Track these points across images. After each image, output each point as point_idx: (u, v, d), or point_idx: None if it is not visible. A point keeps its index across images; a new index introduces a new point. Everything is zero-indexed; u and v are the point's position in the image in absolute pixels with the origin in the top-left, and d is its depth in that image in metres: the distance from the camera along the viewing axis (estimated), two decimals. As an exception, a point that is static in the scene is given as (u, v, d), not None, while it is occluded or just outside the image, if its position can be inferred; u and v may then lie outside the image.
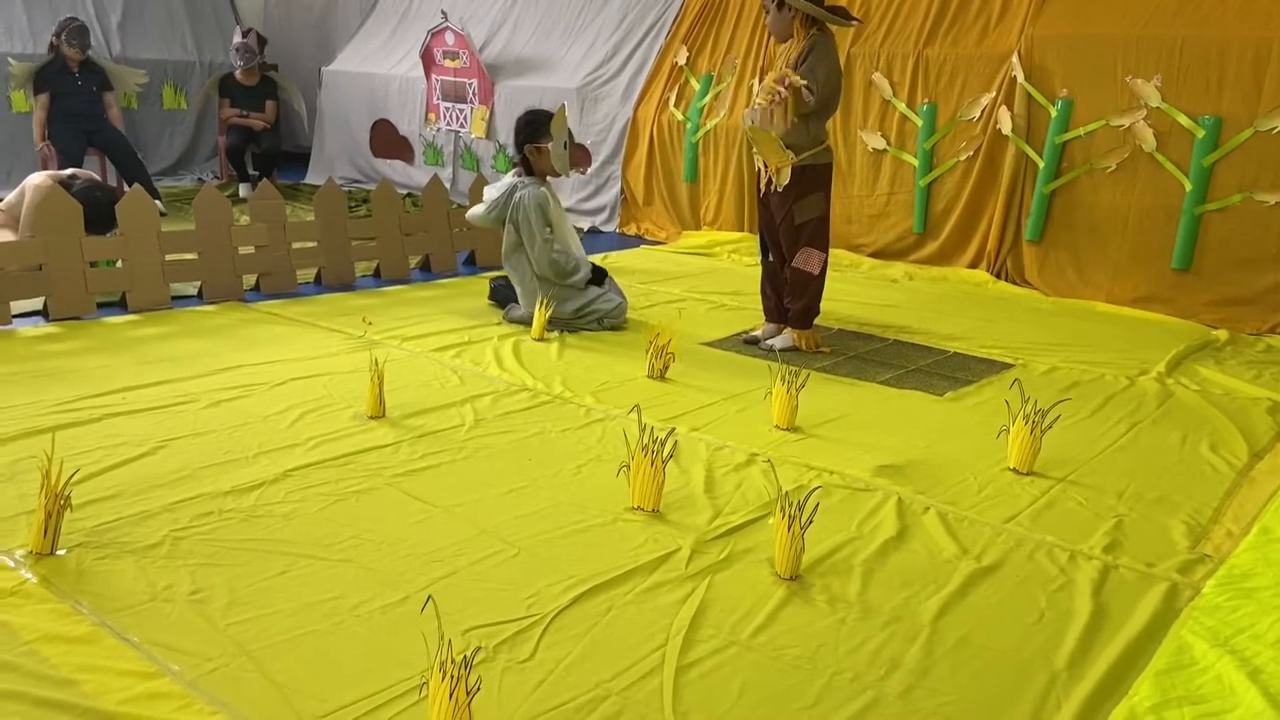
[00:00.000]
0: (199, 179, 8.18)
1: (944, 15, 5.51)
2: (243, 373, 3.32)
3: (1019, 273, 5.36)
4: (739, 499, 2.50)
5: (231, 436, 2.76)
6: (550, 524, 2.31)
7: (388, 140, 8.32)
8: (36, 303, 3.87)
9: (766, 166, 3.79)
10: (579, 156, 7.08)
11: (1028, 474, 2.75)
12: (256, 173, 7.54)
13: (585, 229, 6.84)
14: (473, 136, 7.64)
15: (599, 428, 2.98)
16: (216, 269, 4.27)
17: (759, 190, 3.91)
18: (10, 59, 6.69)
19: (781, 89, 3.50)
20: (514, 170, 4.16)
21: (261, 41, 7.47)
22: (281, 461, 2.59)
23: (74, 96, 6.51)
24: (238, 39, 7.51)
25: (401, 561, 2.10)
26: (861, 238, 5.92)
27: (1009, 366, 3.86)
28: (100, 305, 4.01)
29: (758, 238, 4.06)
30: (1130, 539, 2.37)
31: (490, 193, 4.15)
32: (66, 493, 2.07)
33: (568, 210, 6.97)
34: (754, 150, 3.85)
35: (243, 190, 7.38)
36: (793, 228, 3.82)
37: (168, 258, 4.13)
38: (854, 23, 3.72)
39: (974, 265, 5.51)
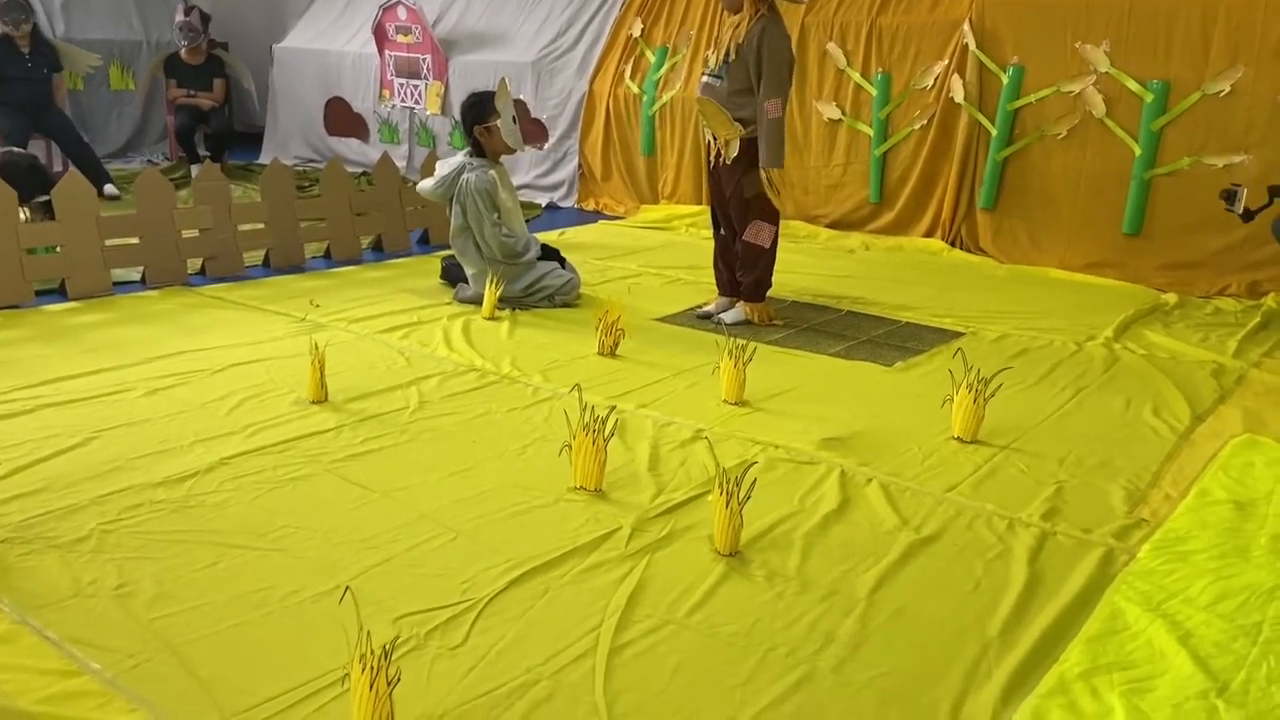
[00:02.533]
0: (149, 160, 8.02)
1: (897, -17, 5.48)
2: (182, 359, 3.26)
3: (973, 240, 5.38)
4: (683, 475, 2.49)
5: (166, 426, 2.71)
6: (491, 507, 2.28)
7: (342, 118, 8.18)
8: (-28, 292, 3.78)
9: (715, 139, 3.76)
10: (534, 132, 7.01)
11: (971, 442, 2.76)
12: (208, 154, 7.39)
13: (544, 205, 6.78)
14: (428, 113, 7.53)
15: (545, 407, 2.96)
16: (159, 253, 4.18)
17: (708, 163, 3.88)
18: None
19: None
20: (465, 151, 4.10)
21: (205, 19, 7.30)
22: (217, 450, 2.54)
23: (22, 81, 6.34)
24: (180, 17, 7.33)
25: (336, 549, 2.07)
26: (819, 208, 5.91)
27: (959, 335, 3.87)
28: (39, 293, 3.92)
29: (712, 250, 4.03)
30: (1069, 505, 2.39)
31: (441, 168, 4.10)
32: (-14, 490, 2.02)
33: (525, 186, 6.94)
34: (702, 123, 3.82)
35: (194, 171, 7.22)
36: (742, 201, 3.79)
37: (108, 243, 4.03)
38: (802, 2, 3.68)
39: (929, 234, 5.52)
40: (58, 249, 3.94)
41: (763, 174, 3.64)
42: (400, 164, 7.79)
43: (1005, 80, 5.04)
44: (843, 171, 5.81)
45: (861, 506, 2.34)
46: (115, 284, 4.12)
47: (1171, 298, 4.45)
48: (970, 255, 5.30)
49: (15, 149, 4.53)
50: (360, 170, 7.66)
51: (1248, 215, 4.00)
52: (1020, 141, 5.07)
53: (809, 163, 5.88)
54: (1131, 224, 4.83)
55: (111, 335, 3.52)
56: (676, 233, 5.95)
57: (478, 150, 4.06)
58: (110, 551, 2.03)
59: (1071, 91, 4.86)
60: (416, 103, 7.59)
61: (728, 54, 3.62)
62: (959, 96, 5.18)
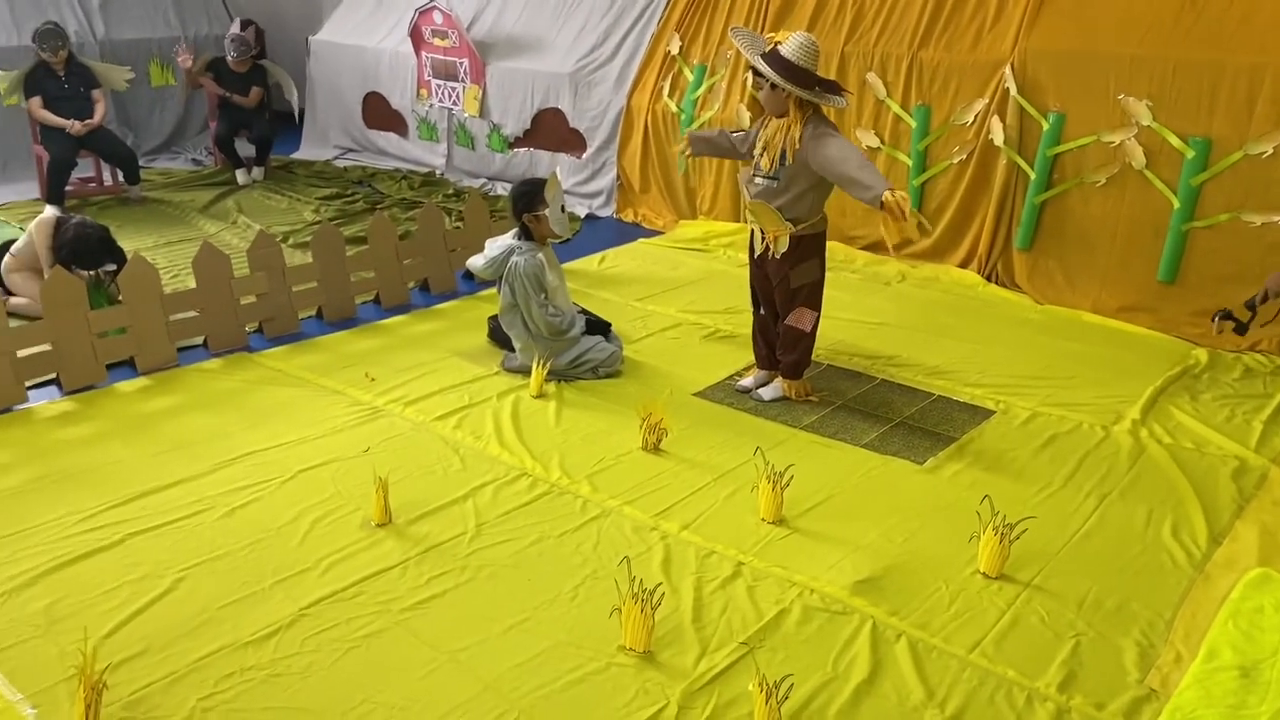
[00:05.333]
0: (193, 159, 8.17)
1: (938, 18, 5.43)
2: (252, 463, 3.48)
3: (1009, 275, 5.44)
4: (724, 629, 2.68)
5: (246, 560, 2.93)
6: (547, 675, 2.49)
7: (380, 113, 8.26)
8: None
9: (764, 233, 3.84)
10: (572, 141, 7.06)
11: (997, 578, 2.92)
12: (250, 157, 7.52)
13: (583, 215, 6.87)
14: (466, 114, 7.58)
15: (595, 528, 3.15)
16: (220, 322, 4.38)
17: (751, 251, 3.98)
18: (-1, 70, 6.64)
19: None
20: (514, 232, 4.23)
21: (259, 35, 7.36)
22: (295, 595, 2.77)
23: (62, 101, 6.50)
24: (235, 30, 7.39)
25: (412, 732, 2.30)
26: (856, 230, 5.97)
27: (990, 414, 3.99)
28: (110, 366, 4.14)
29: (749, 291, 4.14)
30: (1085, 668, 2.56)
31: (491, 249, 4.24)
32: (103, 681, 2.26)
33: (565, 192, 7.02)
34: (748, 216, 3.89)
35: (240, 177, 7.40)
36: (789, 290, 3.90)
37: (172, 318, 4.23)
38: (843, 103, 3.72)
39: (965, 264, 5.58)
40: (125, 330, 4.14)
41: (888, 196, 3.34)
42: (439, 161, 7.93)
43: (1046, 126, 5.03)
44: (880, 197, 5.84)
45: (891, 673, 2.53)
46: (180, 349, 4.33)
47: (1202, 355, 4.52)
48: (1006, 291, 5.36)
49: (87, 219, 4.71)
50: (404, 170, 7.80)
51: (1241, 329, 4.08)
52: (1059, 187, 5.09)
53: (846, 185, 5.91)
54: (1167, 272, 4.87)
55: (183, 428, 3.74)
56: (715, 256, 6.04)
57: (526, 234, 4.18)
58: (213, 736, 2.28)
59: (1112, 142, 4.85)
60: (454, 104, 7.64)
61: (783, 157, 3.69)
62: (998, 139, 5.18)
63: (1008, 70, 5.12)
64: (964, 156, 5.39)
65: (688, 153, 4.10)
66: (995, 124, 5.19)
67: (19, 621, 2.66)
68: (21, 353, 3.86)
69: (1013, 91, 5.09)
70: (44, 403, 3.92)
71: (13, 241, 4.93)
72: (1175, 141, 4.67)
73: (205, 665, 2.49)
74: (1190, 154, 4.64)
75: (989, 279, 5.46)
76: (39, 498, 3.25)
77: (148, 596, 2.75)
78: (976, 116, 5.30)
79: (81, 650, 2.31)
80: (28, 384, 3.90)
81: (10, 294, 4.75)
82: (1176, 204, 4.73)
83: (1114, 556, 3.05)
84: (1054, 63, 5.00)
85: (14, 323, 4.01)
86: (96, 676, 2.26)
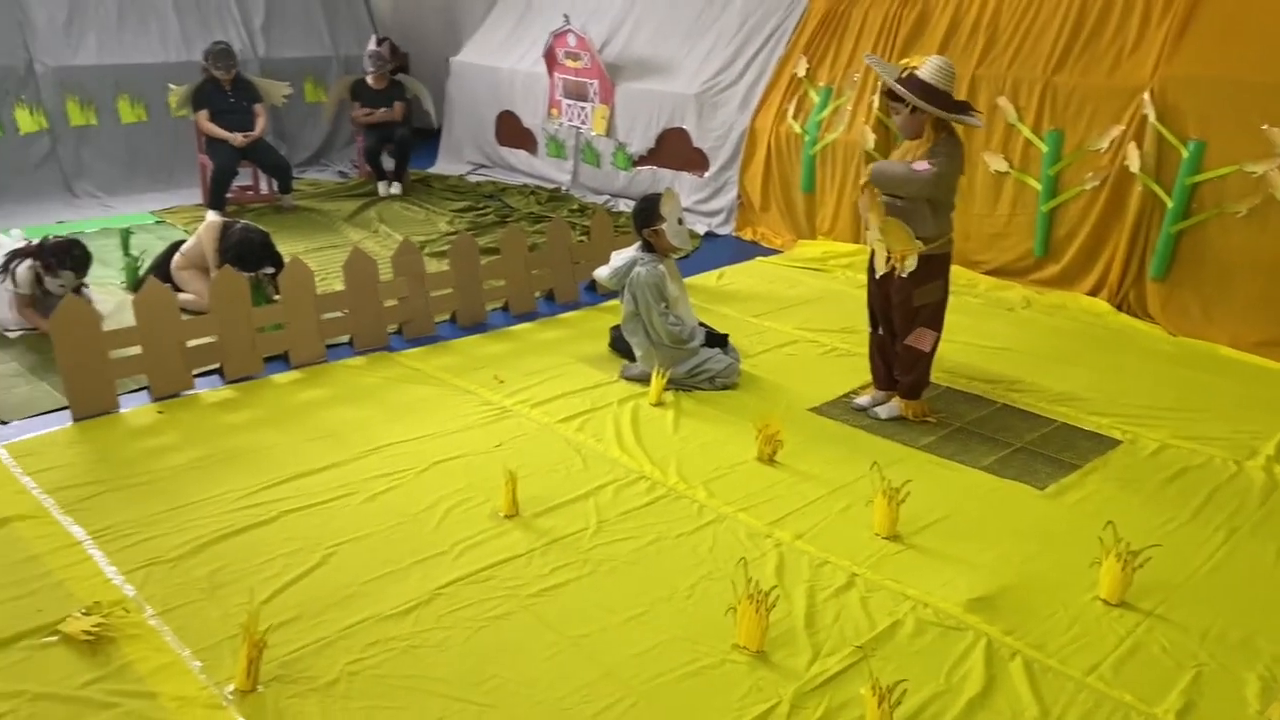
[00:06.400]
0: (340, 172, 8.67)
1: (1074, 42, 5.38)
2: (392, 454, 3.72)
3: (1141, 306, 5.31)
4: (837, 635, 2.75)
5: (387, 541, 3.15)
6: (664, 665, 2.61)
7: (512, 130, 8.60)
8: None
9: (890, 252, 3.89)
10: (695, 160, 7.22)
11: (1117, 605, 2.90)
12: (392, 170, 7.93)
13: (703, 232, 7.01)
14: (593, 133, 7.83)
15: (710, 532, 3.26)
16: (365, 322, 4.68)
17: (871, 270, 4.03)
18: (171, 84, 7.21)
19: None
20: (638, 245, 4.40)
21: (394, 50, 7.79)
22: (431, 575, 2.96)
23: (228, 114, 7.02)
24: (372, 46, 7.84)
25: (537, 709, 2.44)
26: (980, 254, 5.93)
27: (1116, 444, 3.92)
28: (266, 360, 4.47)
29: (867, 310, 4.19)
30: (1205, 698, 2.52)
31: (616, 259, 4.42)
32: (264, 640, 2.48)
33: (686, 210, 7.17)
34: (870, 233, 3.94)
35: (380, 189, 7.82)
36: (910, 309, 3.94)
37: (323, 317, 4.55)
38: (978, 122, 3.76)
39: (1095, 292, 5.48)
40: (282, 326, 4.46)
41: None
42: (565, 178, 8.20)
43: (1185, 154, 4.91)
44: (1006, 222, 5.80)
45: (1005, 689, 2.55)
46: (328, 345, 4.64)
47: (1345, 394, 4.34)
48: (1137, 321, 5.24)
49: (250, 225, 5.09)
50: (532, 185, 8.10)
51: None
52: (1197, 216, 4.96)
53: (973, 210, 5.88)
54: (1312, 307, 4.69)
55: (330, 419, 4.02)
56: (833, 276, 6.08)
57: (648, 247, 4.35)
58: (357, 698, 2.47)
59: (1254, 172, 4.71)
60: (583, 123, 7.90)
61: None
62: (1134, 166, 5.08)
63: (1146, 96, 5.03)
64: (1098, 183, 5.30)
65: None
66: (1131, 150, 5.09)
67: (186, 585, 2.93)
68: (190, 343, 4.22)
69: (1151, 118, 5.00)
70: (208, 390, 4.27)
71: (183, 242, 5.37)
72: (1324, 172, 4.52)
73: (351, 634, 2.70)
74: (1341, 186, 4.47)
75: (1119, 308, 5.34)
76: (204, 475, 3.55)
77: (300, 569, 2.99)
78: (1112, 142, 5.22)
79: (248, 609, 2.54)
80: (194, 372, 4.25)
81: (179, 290, 5.17)
82: (1324, 237, 4.56)
83: (1240, 591, 2.98)
84: (1195, 90, 4.89)
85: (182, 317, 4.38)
86: (259, 636, 2.48)
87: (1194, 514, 3.42)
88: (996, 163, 5.70)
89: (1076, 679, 2.59)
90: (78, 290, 4.70)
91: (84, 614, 2.71)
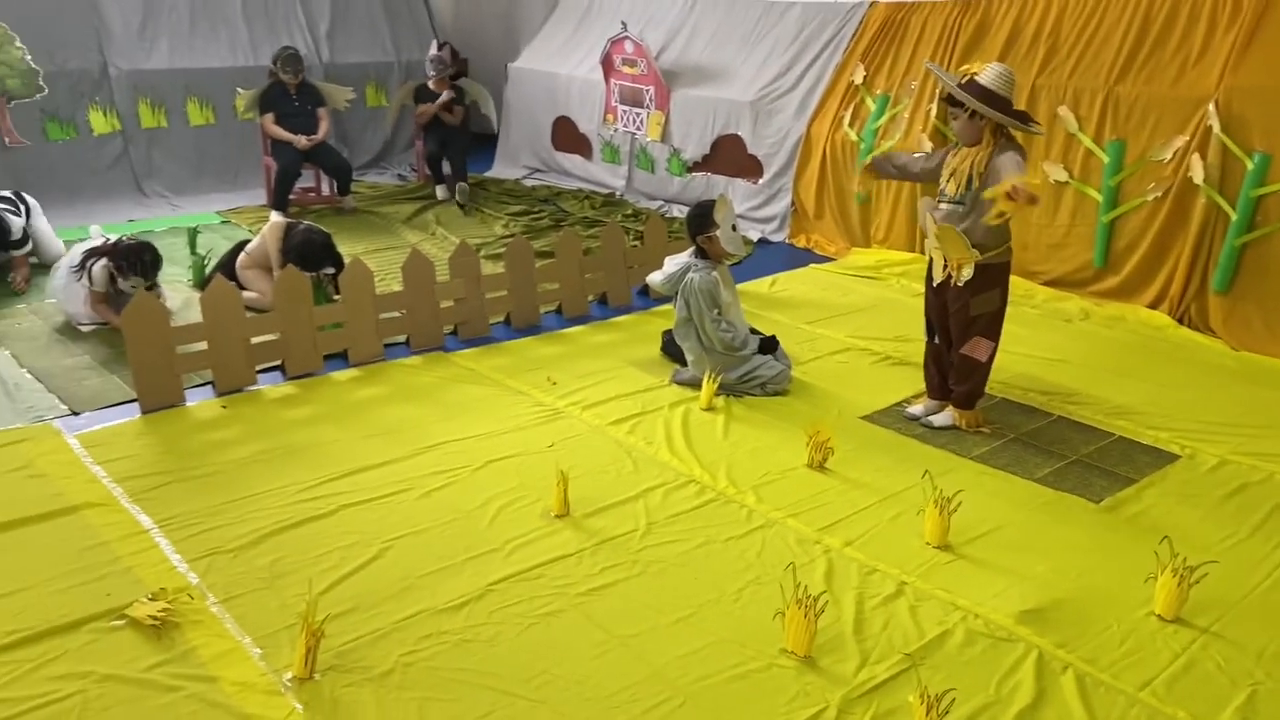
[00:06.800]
0: (399, 175, 8.83)
1: (1138, 52, 5.30)
2: (446, 452, 3.78)
3: (1203, 320, 5.21)
4: (885, 643, 2.75)
5: (441, 537, 3.21)
6: (712, 667, 2.63)
7: (568, 136, 8.68)
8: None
9: (947, 261, 3.87)
10: (750, 167, 7.23)
11: (1172, 621, 2.85)
12: (450, 174, 8.05)
13: (755, 239, 7.01)
14: (648, 139, 7.88)
15: (759, 537, 3.27)
16: (421, 322, 4.77)
17: (929, 278, 4.01)
18: (239, 88, 7.41)
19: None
20: (691, 251, 4.43)
21: (455, 55, 7.91)
22: (484, 571, 3.02)
23: (292, 117, 7.20)
24: (434, 51, 7.98)
25: (586, 706, 2.48)
26: (1038, 264, 5.86)
27: (1175, 458, 3.86)
28: (326, 357, 4.58)
29: (923, 319, 4.17)
30: (1261, 716, 2.48)
31: (669, 265, 4.46)
32: (322, 630, 2.55)
33: (740, 217, 7.18)
34: (932, 244, 3.92)
35: (439, 192, 7.95)
36: (967, 318, 3.91)
37: (381, 317, 4.65)
38: (1036, 131, 3.74)
39: (1155, 305, 5.38)
40: (342, 325, 4.57)
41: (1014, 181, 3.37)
42: (619, 183, 8.27)
43: (1250, 166, 4.82)
44: (1066, 233, 5.73)
45: (1056, 703, 2.53)
46: (385, 345, 4.74)
47: None
48: (1198, 335, 5.14)
49: (313, 226, 5.23)
50: (587, 190, 8.16)
51: None
52: (1262, 229, 4.86)
53: (1031, 219, 5.80)
54: (1381, 323, 4.57)
55: (387, 416, 4.10)
56: (887, 284, 6.05)
57: (701, 253, 4.38)
58: (410, 689, 2.53)
59: (1324, 185, 4.60)
60: (638, 129, 7.95)
61: (969, 182, 3.73)
62: (1198, 177, 4.99)
63: (1211, 107, 4.93)
64: (1160, 194, 5.21)
65: (864, 194, 4.15)
66: (1195, 162, 5.00)
67: (247, 574, 3.02)
68: (253, 340, 4.34)
69: (1216, 129, 4.91)
70: (269, 386, 4.38)
71: (248, 241, 5.52)
72: (1399, 185, 4.40)
73: (406, 626, 2.77)
74: None
75: (1180, 321, 5.25)
76: (265, 468, 3.66)
77: (357, 561, 3.07)
78: (1175, 153, 5.13)
79: (306, 599, 2.62)
80: (257, 368, 4.37)
81: (243, 288, 5.31)
82: (1397, 251, 4.44)
83: (1303, 611, 2.92)
84: (1261, 100, 4.79)
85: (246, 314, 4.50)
86: (317, 625, 2.55)
87: (1253, 530, 3.35)
88: (1056, 173, 5.63)
89: (1129, 694, 2.56)
90: (151, 289, 4.86)
91: (150, 599, 2.81)
